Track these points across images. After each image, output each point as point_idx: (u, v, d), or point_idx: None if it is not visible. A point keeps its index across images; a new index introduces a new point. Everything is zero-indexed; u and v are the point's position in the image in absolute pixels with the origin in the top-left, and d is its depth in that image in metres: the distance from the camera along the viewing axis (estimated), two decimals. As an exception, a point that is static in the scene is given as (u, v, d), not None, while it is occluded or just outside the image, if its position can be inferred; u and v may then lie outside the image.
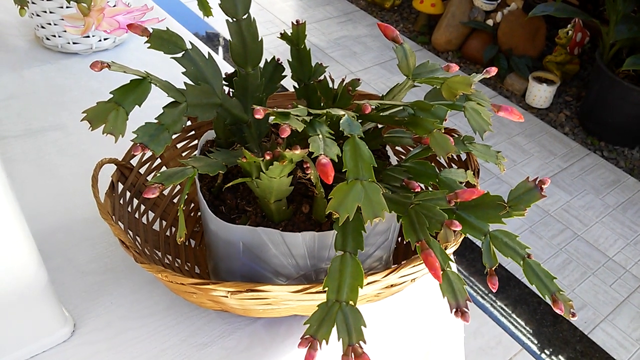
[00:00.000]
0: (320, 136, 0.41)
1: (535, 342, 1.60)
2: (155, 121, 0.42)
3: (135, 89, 0.40)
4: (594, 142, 2.34)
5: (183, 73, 0.47)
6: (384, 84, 2.55)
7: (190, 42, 0.47)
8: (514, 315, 1.66)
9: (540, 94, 2.45)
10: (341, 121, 0.42)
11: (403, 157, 0.67)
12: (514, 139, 2.32)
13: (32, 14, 0.89)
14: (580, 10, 2.37)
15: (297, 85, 0.59)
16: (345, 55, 2.74)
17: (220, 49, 2.75)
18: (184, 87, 0.46)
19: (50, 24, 0.89)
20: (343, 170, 0.40)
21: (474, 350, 1.55)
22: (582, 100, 2.47)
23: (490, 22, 2.71)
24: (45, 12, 0.87)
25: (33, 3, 0.86)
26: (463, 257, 1.84)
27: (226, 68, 0.93)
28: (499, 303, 1.70)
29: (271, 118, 0.41)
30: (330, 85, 0.59)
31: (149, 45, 0.45)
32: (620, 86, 2.18)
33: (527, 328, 1.63)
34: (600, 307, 1.71)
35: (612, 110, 2.27)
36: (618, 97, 2.22)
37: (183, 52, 0.46)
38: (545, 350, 1.58)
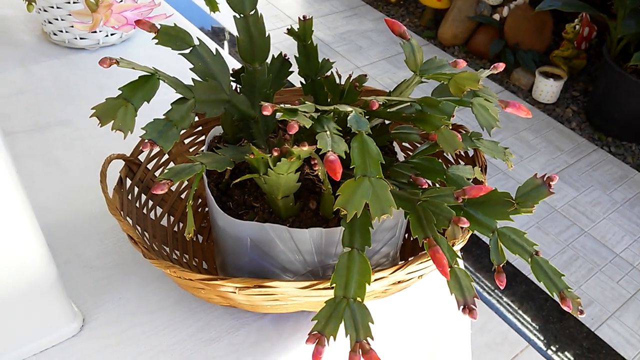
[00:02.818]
0: (328, 133, 0.41)
1: (542, 338, 1.60)
2: (164, 117, 0.42)
3: (144, 85, 0.41)
4: (601, 137, 2.33)
5: (191, 69, 0.47)
6: (390, 78, 2.54)
7: (198, 38, 0.47)
8: (520, 312, 1.66)
9: (547, 89, 2.44)
10: (349, 118, 0.42)
11: (410, 153, 0.67)
12: (521, 134, 2.31)
13: (40, 9, 0.89)
14: (588, 4, 2.35)
15: (304, 81, 0.59)
16: (351, 49, 2.73)
17: (226, 44, 2.75)
18: (192, 83, 0.46)
19: (57, 19, 0.89)
20: (351, 167, 0.40)
21: (479, 346, 1.55)
22: (589, 95, 2.45)
23: (496, 16, 2.69)
24: (53, 7, 0.87)
25: (40, -1, 0.86)
26: (470, 253, 1.83)
27: (233, 63, 0.93)
28: (505, 299, 1.70)
29: (279, 114, 0.41)
30: (337, 81, 0.59)
31: (156, 41, 0.45)
32: (627, 81, 2.17)
33: (534, 324, 1.63)
34: (607, 303, 1.70)
35: (620, 105, 2.25)
36: (626, 92, 2.21)
37: (191, 48, 0.46)
38: (552, 347, 1.57)
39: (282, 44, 2.61)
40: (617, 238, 1.91)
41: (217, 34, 2.80)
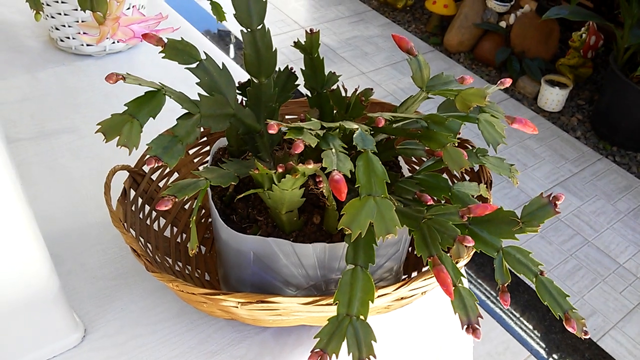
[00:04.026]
0: (334, 150, 0.41)
1: (544, 348, 1.59)
2: (169, 133, 0.42)
3: (150, 101, 0.40)
4: (606, 146, 2.32)
5: (197, 84, 0.47)
6: (395, 85, 2.54)
7: (205, 52, 0.47)
8: (522, 321, 1.65)
9: (553, 97, 2.44)
10: (354, 136, 0.42)
11: (415, 167, 0.67)
12: (525, 142, 2.31)
13: (47, 15, 0.89)
14: (595, 13, 2.35)
15: (310, 94, 0.59)
16: (356, 55, 2.73)
17: (232, 47, 2.75)
18: (198, 98, 0.46)
19: (64, 26, 0.89)
20: (356, 186, 0.40)
21: (481, 355, 1.54)
22: (595, 104, 2.45)
23: (503, 24, 2.69)
24: (60, 14, 0.87)
25: (48, 5, 0.86)
26: (472, 261, 1.83)
27: (238, 71, 0.93)
28: (507, 308, 1.69)
29: (284, 128, 0.41)
30: (343, 94, 0.59)
31: (163, 55, 0.45)
32: (633, 91, 2.16)
33: (536, 334, 1.62)
34: (610, 314, 1.69)
35: (625, 114, 2.25)
36: (631, 102, 2.20)
37: (197, 62, 0.46)
38: (554, 356, 1.57)
39: (288, 49, 2.62)
40: (621, 248, 1.90)
41: (222, 37, 2.80)
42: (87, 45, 0.92)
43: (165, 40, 0.45)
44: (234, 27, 2.83)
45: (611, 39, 2.43)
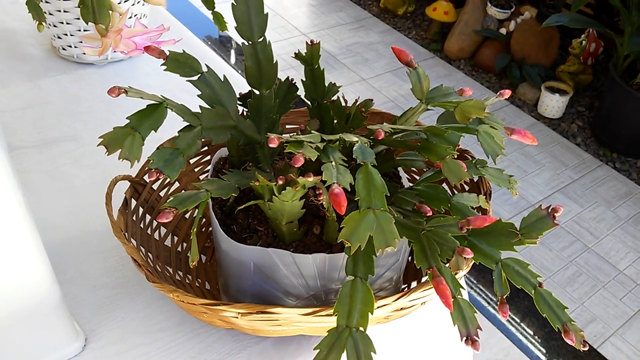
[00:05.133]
0: (334, 163, 0.41)
1: (544, 354, 1.59)
2: (170, 145, 0.42)
3: (152, 114, 0.41)
4: (606, 153, 2.32)
5: (198, 96, 0.47)
6: (395, 91, 2.55)
7: (206, 65, 0.48)
8: (522, 328, 1.65)
9: (553, 103, 2.44)
10: (354, 148, 0.42)
11: (415, 176, 0.68)
12: (526, 149, 2.31)
13: (49, 24, 0.89)
14: (595, 20, 2.35)
15: (310, 105, 0.59)
16: (357, 62, 2.74)
17: (233, 53, 2.76)
18: (199, 110, 0.46)
19: (67, 34, 0.90)
20: (356, 199, 0.41)
21: (481, 362, 1.54)
22: (595, 111, 2.45)
23: (503, 30, 2.70)
24: (62, 22, 0.88)
25: (50, 14, 0.87)
26: (473, 267, 1.83)
27: (238, 79, 0.94)
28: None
29: (286, 136, 0.42)
30: (343, 104, 0.59)
31: (165, 67, 0.45)
32: (633, 98, 2.17)
33: (536, 340, 1.62)
34: (610, 321, 1.69)
35: (625, 121, 2.25)
36: (631, 109, 2.20)
37: (199, 75, 0.47)
38: (554, 364, 1.57)
39: (289, 55, 2.63)
40: (621, 255, 1.90)
41: (224, 43, 2.81)
42: (89, 53, 0.93)
43: (167, 53, 0.46)
44: (236, 34, 2.84)
45: (611, 46, 2.44)
